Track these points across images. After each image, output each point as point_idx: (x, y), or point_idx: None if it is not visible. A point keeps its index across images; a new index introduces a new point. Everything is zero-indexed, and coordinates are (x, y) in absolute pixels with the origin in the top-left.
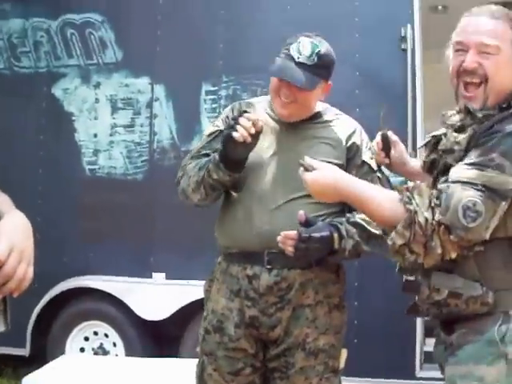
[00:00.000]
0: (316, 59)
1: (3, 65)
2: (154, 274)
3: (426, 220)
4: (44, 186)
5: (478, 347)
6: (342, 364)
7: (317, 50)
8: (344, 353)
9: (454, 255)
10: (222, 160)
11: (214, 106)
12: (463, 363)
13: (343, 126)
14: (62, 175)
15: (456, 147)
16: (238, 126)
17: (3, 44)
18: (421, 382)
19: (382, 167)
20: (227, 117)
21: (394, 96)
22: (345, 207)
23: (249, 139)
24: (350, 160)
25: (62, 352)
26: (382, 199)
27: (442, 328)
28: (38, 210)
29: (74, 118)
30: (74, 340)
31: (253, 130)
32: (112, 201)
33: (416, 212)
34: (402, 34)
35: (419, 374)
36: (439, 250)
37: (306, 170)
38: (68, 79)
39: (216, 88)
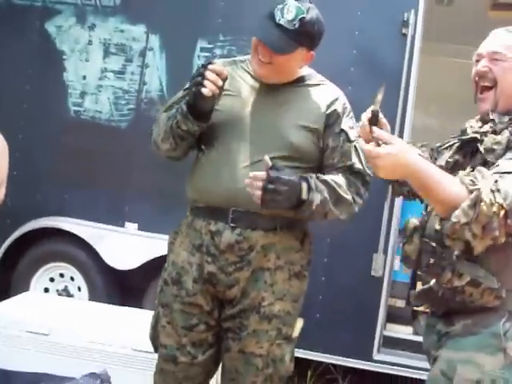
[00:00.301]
0: (297, 25)
1: None
2: (126, 224)
3: (491, 200)
4: (26, 121)
5: (481, 338)
6: (296, 333)
7: (301, 16)
8: (299, 322)
9: (503, 240)
10: (190, 111)
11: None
12: (465, 350)
13: (326, 92)
14: (45, 113)
15: (496, 147)
16: (205, 82)
17: None
18: (377, 364)
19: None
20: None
21: (387, 78)
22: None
23: (217, 91)
24: (329, 127)
25: (27, 290)
26: (448, 181)
27: (441, 319)
28: (18, 144)
29: (64, 56)
30: (39, 279)
31: (220, 82)
32: (93, 145)
33: (481, 192)
34: (405, 19)
35: (376, 356)
36: (497, 233)
37: (375, 142)
38: (63, 17)
39: (212, 46)
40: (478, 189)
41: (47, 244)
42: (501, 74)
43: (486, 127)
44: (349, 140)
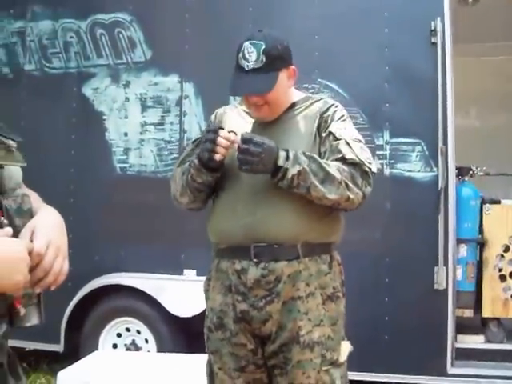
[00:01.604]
0: (264, 58)
1: (34, 66)
2: (185, 271)
3: None
4: (75, 185)
5: None
6: (343, 356)
7: (262, 49)
8: (346, 345)
9: None
10: (204, 166)
11: (239, 101)
12: None
13: (319, 105)
14: (93, 174)
15: None
16: (218, 148)
17: (34, 46)
18: (452, 378)
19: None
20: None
21: (423, 90)
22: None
23: (226, 154)
24: (320, 132)
25: (95, 348)
26: None
27: None
28: (70, 208)
29: (104, 117)
30: (107, 337)
31: (229, 146)
32: (142, 199)
33: None
34: (432, 28)
35: (450, 370)
36: None
37: None
38: (98, 79)
39: None
40: None
41: (110, 301)
42: None
43: None
44: (336, 138)
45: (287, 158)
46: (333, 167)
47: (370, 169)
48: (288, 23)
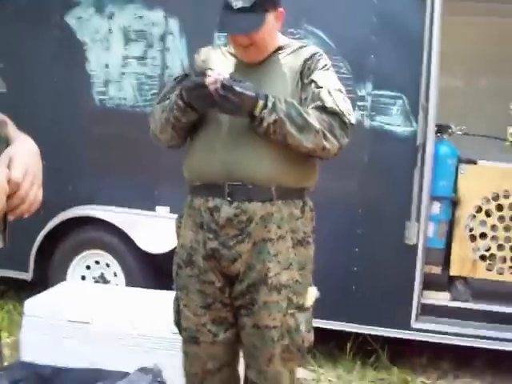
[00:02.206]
0: None
1: None
2: (157, 208)
3: None
4: (55, 113)
5: None
6: (309, 301)
7: None
8: (312, 290)
9: None
10: (189, 106)
11: (227, 42)
12: None
13: (304, 52)
14: (72, 104)
15: None
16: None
17: None
18: (415, 332)
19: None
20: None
21: (410, 45)
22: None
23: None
24: (303, 78)
25: (64, 279)
26: None
27: None
28: (47, 136)
29: (85, 47)
30: (76, 268)
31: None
32: (120, 132)
33: None
34: None
35: (414, 324)
36: None
37: None
38: (82, 8)
39: None
40: None
41: (81, 232)
42: None
43: None
44: (318, 86)
45: (265, 106)
46: (312, 116)
47: (349, 120)
48: None
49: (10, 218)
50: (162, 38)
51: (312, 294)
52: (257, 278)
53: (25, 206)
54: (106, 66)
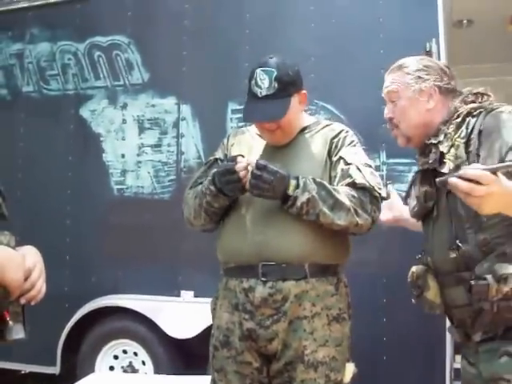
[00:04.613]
0: (277, 85)
1: (32, 88)
2: (182, 293)
3: None
4: (73, 207)
5: None
6: (347, 378)
7: (274, 76)
8: (350, 366)
9: None
10: (220, 192)
11: (240, 124)
12: None
13: (330, 130)
14: (90, 196)
15: (459, 161)
16: (244, 181)
17: (32, 67)
18: None
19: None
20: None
21: None
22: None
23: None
24: (331, 157)
25: (92, 370)
26: None
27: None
28: (67, 230)
29: (101, 138)
30: (104, 358)
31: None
32: (140, 220)
33: None
34: (427, 49)
35: None
36: None
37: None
38: (95, 101)
39: (242, 107)
40: None
41: (107, 323)
42: (399, 117)
43: (433, 156)
44: (347, 163)
45: (297, 186)
46: (342, 194)
47: (380, 194)
48: (284, 45)
49: (22, 301)
50: (176, 125)
51: (350, 369)
52: (294, 356)
53: (34, 292)
54: (123, 155)
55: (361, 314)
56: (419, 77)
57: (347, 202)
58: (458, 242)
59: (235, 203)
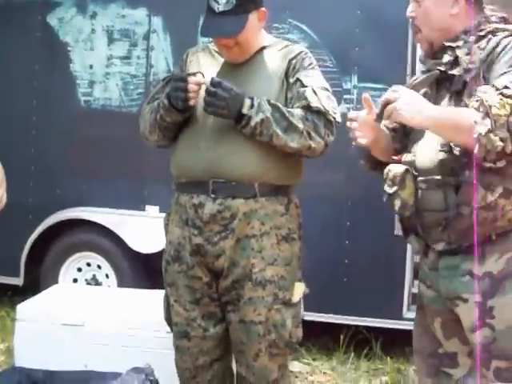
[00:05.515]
0: (234, 1)
1: None
2: (147, 207)
3: (501, 101)
4: (38, 117)
5: None
6: (296, 297)
7: None
8: (300, 286)
9: None
10: (173, 107)
11: (210, 39)
12: None
13: (289, 52)
14: (56, 106)
15: (472, 65)
16: (191, 94)
17: None
18: (408, 322)
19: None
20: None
21: (394, 37)
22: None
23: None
24: (288, 78)
25: (56, 282)
26: (461, 110)
27: (466, 255)
28: (32, 140)
29: (69, 48)
30: (67, 271)
31: (199, 91)
32: (106, 133)
33: (487, 100)
34: None
35: (406, 314)
36: None
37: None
38: (63, 8)
39: None
40: (481, 99)
41: (71, 235)
42: (422, 19)
43: (447, 58)
44: (303, 85)
45: (252, 105)
46: (296, 116)
47: (335, 118)
48: None
49: None
50: (146, 37)
51: (299, 289)
52: (241, 274)
53: None
54: (91, 66)
55: (325, 236)
56: None
57: (300, 125)
58: (451, 143)
59: (190, 120)
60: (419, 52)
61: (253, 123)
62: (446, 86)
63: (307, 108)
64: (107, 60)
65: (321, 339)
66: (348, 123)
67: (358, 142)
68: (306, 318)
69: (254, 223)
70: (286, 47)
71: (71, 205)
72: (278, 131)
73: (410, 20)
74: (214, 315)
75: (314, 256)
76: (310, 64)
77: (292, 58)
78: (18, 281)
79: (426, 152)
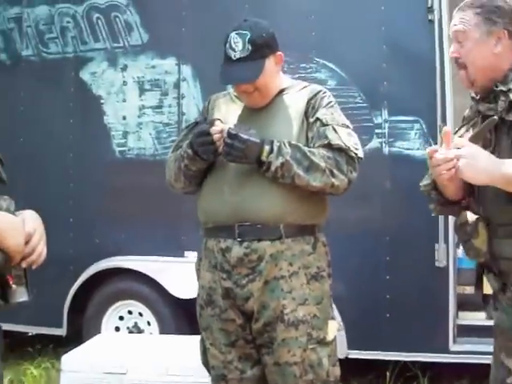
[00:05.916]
0: (250, 47)
1: (32, 51)
2: (186, 253)
3: None
4: (75, 170)
5: None
6: (330, 335)
7: (247, 39)
8: (333, 324)
9: None
10: (197, 155)
11: None
12: None
13: (307, 92)
14: (92, 158)
15: None
16: (217, 143)
17: (31, 31)
18: (454, 355)
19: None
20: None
21: (421, 68)
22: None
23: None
24: (308, 118)
25: (98, 332)
26: None
27: None
28: (70, 193)
29: (102, 101)
30: (109, 320)
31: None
32: (142, 181)
33: None
34: (429, 5)
35: (452, 347)
36: None
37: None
38: (95, 63)
39: None
40: None
41: (112, 284)
42: (467, 56)
43: (502, 104)
44: (323, 124)
45: (271, 151)
46: (317, 155)
47: (357, 154)
48: (284, 4)
49: (23, 265)
50: (177, 86)
51: (333, 327)
52: (272, 316)
53: (34, 256)
54: (124, 117)
55: (364, 272)
56: (489, 18)
57: (322, 164)
58: None
59: (213, 166)
60: (448, 82)
61: (273, 168)
62: (504, 130)
63: (328, 146)
64: (139, 110)
65: (366, 377)
66: (432, 160)
67: (441, 179)
68: (351, 357)
69: (282, 264)
70: (304, 88)
71: (110, 254)
72: (300, 172)
73: (454, 60)
74: (251, 357)
75: (355, 293)
76: (329, 102)
77: (311, 98)
78: (61, 331)
79: (493, 202)
